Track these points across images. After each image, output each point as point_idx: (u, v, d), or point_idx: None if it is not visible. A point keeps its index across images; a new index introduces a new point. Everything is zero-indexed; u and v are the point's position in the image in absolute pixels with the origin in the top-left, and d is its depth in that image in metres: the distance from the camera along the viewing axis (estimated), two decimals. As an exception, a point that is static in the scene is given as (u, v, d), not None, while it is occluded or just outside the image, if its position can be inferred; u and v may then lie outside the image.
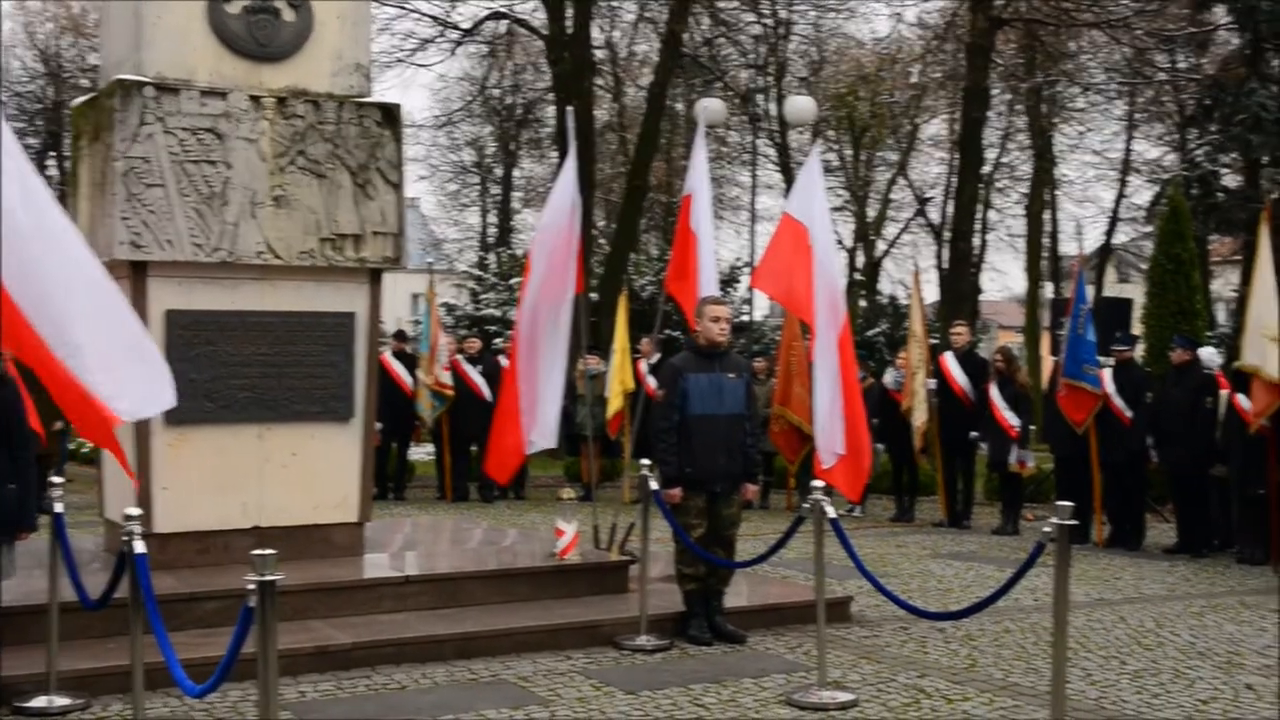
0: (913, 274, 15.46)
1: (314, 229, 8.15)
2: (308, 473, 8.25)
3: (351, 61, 8.45)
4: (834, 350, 9.26)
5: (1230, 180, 23.94)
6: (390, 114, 8.50)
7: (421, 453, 17.93)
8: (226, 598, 6.98)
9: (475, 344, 16.56)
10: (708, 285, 9.34)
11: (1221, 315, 30.87)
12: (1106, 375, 12.30)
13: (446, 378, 15.46)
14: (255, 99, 8.01)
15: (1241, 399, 11.08)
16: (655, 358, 15.14)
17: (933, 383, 13.73)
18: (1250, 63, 23.18)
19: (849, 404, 9.32)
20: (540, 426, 9.19)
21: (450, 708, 6.22)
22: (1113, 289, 35.28)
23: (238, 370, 8.01)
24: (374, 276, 8.51)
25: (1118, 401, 12.14)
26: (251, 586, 4.42)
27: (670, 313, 23.66)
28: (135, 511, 5.43)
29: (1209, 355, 12.91)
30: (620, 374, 15.33)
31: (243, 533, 7.97)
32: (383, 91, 32.44)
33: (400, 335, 16.67)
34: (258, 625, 4.40)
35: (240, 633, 4.54)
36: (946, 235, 31.26)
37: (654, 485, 7.73)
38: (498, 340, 21.00)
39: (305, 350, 8.20)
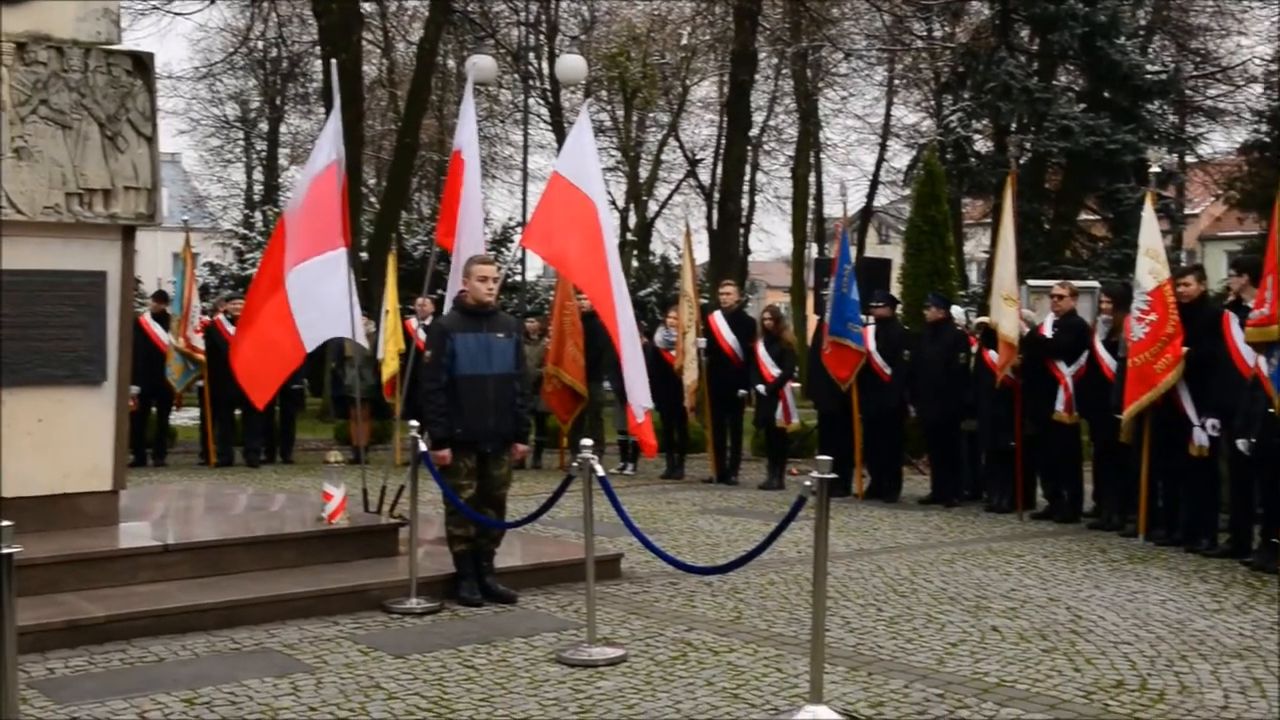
0: (684, 234, 15.64)
1: (59, 183, 7.73)
2: (55, 440, 7.85)
3: (99, 6, 8.01)
4: (630, 308, 9.49)
5: (982, 146, 25.06)
6: (142, 63, 8.11)
7: (185, 417, 17.34)
8: (-33, 573, 6.60)
9: (241, 305, 16.04)
10: (475, 244, 9.28)
11: (974, 275, 32.32)
12: (869, 333, 12.72)
13: (198, 340, 14.94)
14: (-8, 44, 7.53)
15: (991, 355, 11.63)
16: (430, 319, 14.96)
17: (703, 341, 13.95)
18: (1000, 33, 24.27)
19: None
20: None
21: (211, 679, 6.03)
22: (874, 250, 36.50)
23: (-24, 332, 7.55)
24: (127, 234, 8.12)
25: (878, 359, 12.58)
26: (-11, 560, 4.17)
27: (442, 272, 23.48)
28: None
29: (960, 314, 13.50)
30: (393, 335, 15.09)
31: (-15, 504, 7.55)
32: (137, 40, 31.05)
33: (160, 296, 16.05)
34: (-4, 601, 4.17)
35: (-22, 609, 4.30)
36: (716, 196, 31.77)
37: (423, 447, 7.65)
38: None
39: (51, 311, 7.78)
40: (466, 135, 9.56)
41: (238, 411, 15.36)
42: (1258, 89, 28.00)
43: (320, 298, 9.01)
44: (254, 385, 9.48)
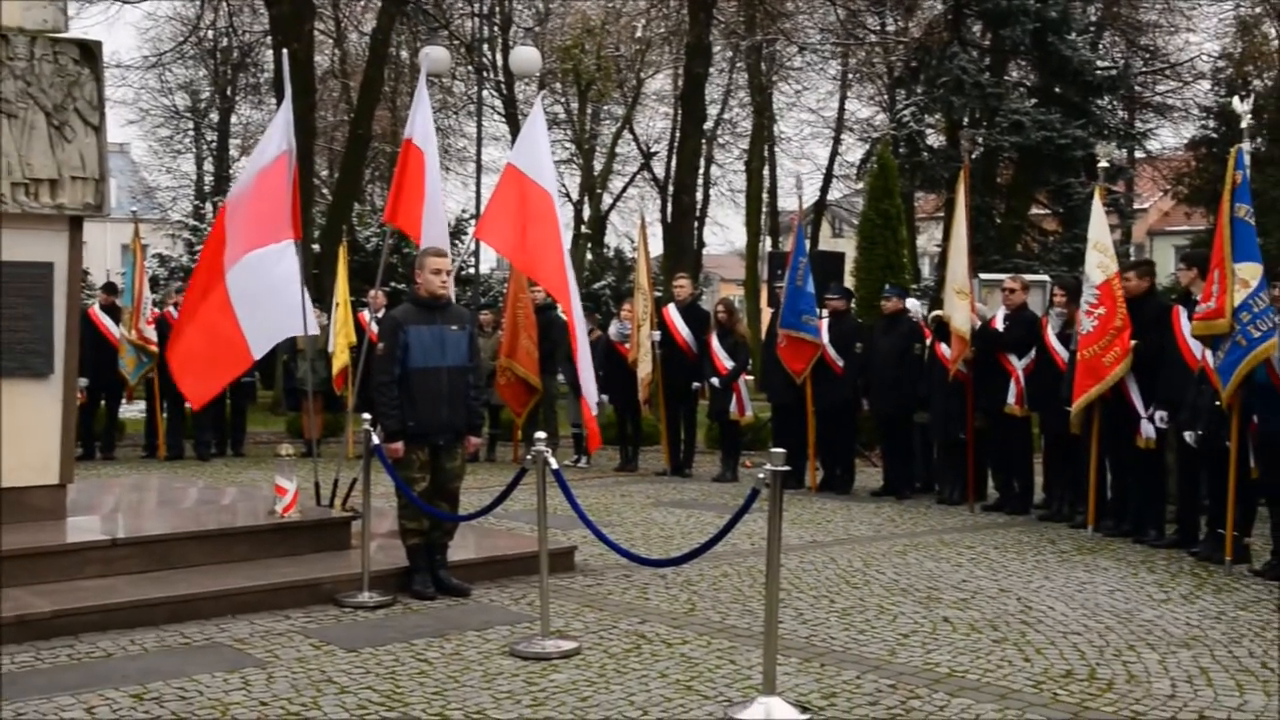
0: (639, 227, 15.64)
1: (5, 172, 7.62)
2: (1, 433, 7.74)
3: (45, -5, 7.91)
4: (579, 301, 9.52)
5: (934, 140, 25.19)
6: (89, 51, 8.01)
7: (135, 410, 17.17)
8: (-90, 568, 6.51)
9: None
10: (440, 237, 9.28)
11: (926, 269, 32.51)
12: (822, 326, 12.75)
13: (150, 332, 14.81)
14: (-64, 32, 7.42)
15: (943, 348, 11.70)
16: (382, 312, 14.90)
17: (657, 334, 13.96)
18: (953, 28, 24.39)
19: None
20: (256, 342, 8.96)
21: (160, 674, 5.97)
22: (827, 243, 36.66)
23: (-79, 324, 7.44)
24: (74, 224, 8.02)
25: (831, 351, 12.62)
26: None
27: (395, 264, 23.35)
28: None
29: (916, 306, 13.58)
30: (343, 328, 15.00)
31: (-71, 498, 7.45)
32: (84, 28, 30.65)
33: (109, 288, 15.88)
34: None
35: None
36: (671, 189, 31.77)
37: (376, 440, 7.60)
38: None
39: (-4, 302, 7.69)
40: (420, 127, 9.50)
41: (188, 404, 15.21)
42: (1205, 85, 28.38)
43: (267, 295, 8.86)
44: (191, 384, 9.35)
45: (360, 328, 14.76)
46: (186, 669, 6.07)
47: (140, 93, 36.24)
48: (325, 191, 29.93)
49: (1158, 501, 9.99)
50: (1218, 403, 8.69)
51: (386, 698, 5.68)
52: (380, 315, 14.23)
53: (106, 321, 14.96)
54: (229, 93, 35.28)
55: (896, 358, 12.35)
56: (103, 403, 15.22)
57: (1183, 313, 9.41)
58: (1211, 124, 25.81)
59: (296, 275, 9.04)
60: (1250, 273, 8.44)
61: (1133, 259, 18.93)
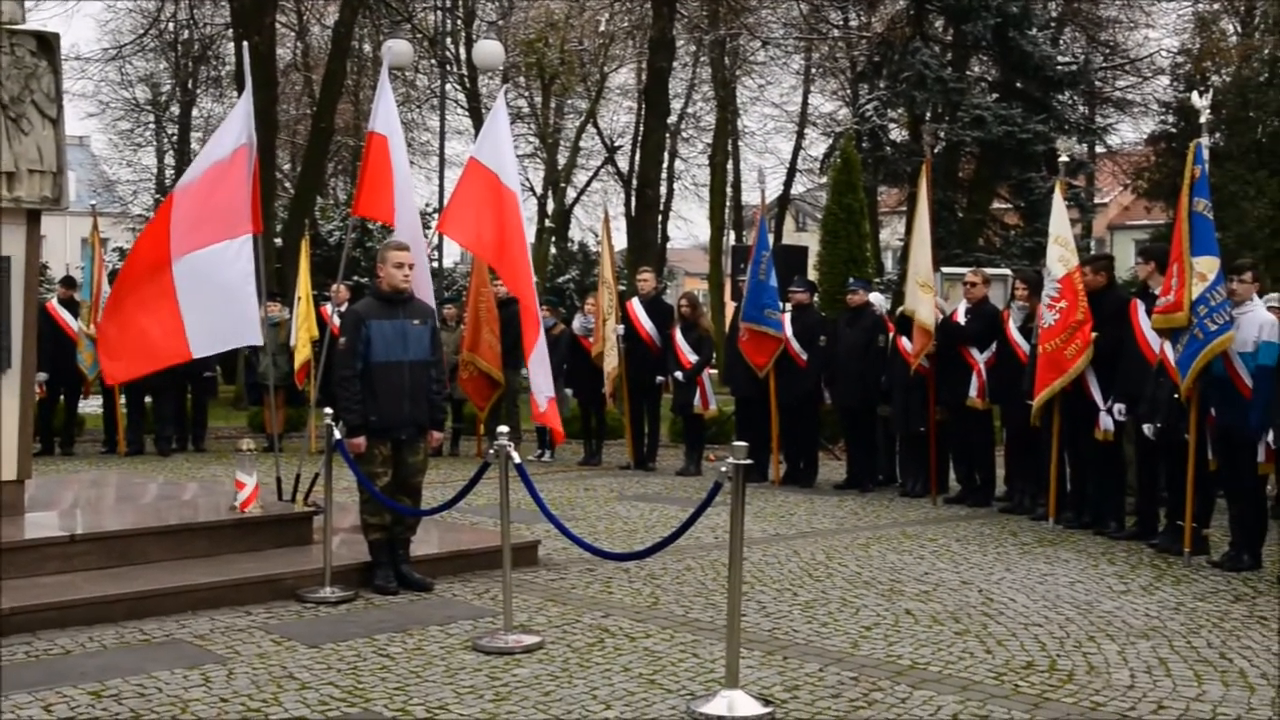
0: (603, 221, 15.62)
1: (-40, 166, 7.54)
2: (-41, 428, 7.67)
3: (1, -15, 7.82)
4: (535, 296, 9.49)
5: (897, 134, 25.28)
6: (47, 43, 7.91)
7: (94, 405, 17.03)
8: None
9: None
10: (412, 228, 9.25)
11: (889, 262, 32.62)
12: (786, 319, 12.79)
13: (111, 326, 14.67)
14: (-111, 22, 7.32)
15: (905, 342, 11.75)
16: (344, 306, 14.82)
17: (621, 328, 13.95)
18: (915, 23, 24.49)
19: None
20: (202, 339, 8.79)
21: (119, 670, 5.93)
22: (791, 237, 36.72)
23: (-126, 318, 7.34)
24: (32, 218, 7.93)
25: (794, 345, 12.65)
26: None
27: (358, 258, 23.26)
28: None
29: (880, 299, 13.63)
30: (306, 322, 14.91)
31: (-116, 495, 7.36)
32: (42, 20, 30.26)
33: (68, 282, 15.75)
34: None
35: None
36: (635, 183, 31.74)
37: (337, 434, 7.57)
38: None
39: (-47, 297, 7.60)
40: (384, 119, 9.44)
41: (148, 399, 15.11)
42: (1165, 81, 28.53)
43: (217, 295, 8.69)
44: (114, 362, 9.19)
45: (322, 322, 14.67)
46: (146, 666, 6.03)
47: (100, 85, 35.90)
48: (287, 185, 29.74)
49: (1117, 494, 10.08)
50: (1176, 395, 8.77)
51: (348, 693, 5.66)
52: (343, 309, 14.17)
53: (65, 316, 14.84)
54: (190, 86, 34.94)
55: (860, 351, 12.39)
56: (61, 398, 15.08)
57: (1141, 306, 9.49)
58: (1171, 119, 25.98)
59: (250, 276, 8.88)
60: (1208, 266, 8.52)
61: (1093, 253, 19.07)
